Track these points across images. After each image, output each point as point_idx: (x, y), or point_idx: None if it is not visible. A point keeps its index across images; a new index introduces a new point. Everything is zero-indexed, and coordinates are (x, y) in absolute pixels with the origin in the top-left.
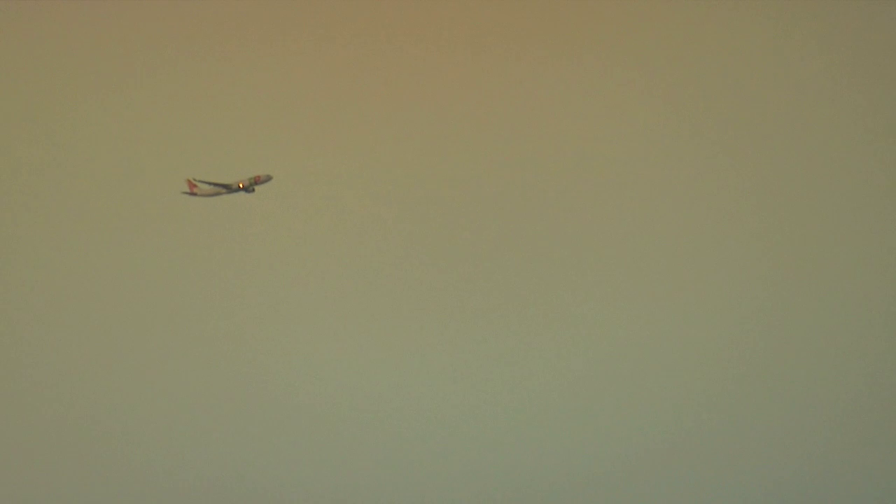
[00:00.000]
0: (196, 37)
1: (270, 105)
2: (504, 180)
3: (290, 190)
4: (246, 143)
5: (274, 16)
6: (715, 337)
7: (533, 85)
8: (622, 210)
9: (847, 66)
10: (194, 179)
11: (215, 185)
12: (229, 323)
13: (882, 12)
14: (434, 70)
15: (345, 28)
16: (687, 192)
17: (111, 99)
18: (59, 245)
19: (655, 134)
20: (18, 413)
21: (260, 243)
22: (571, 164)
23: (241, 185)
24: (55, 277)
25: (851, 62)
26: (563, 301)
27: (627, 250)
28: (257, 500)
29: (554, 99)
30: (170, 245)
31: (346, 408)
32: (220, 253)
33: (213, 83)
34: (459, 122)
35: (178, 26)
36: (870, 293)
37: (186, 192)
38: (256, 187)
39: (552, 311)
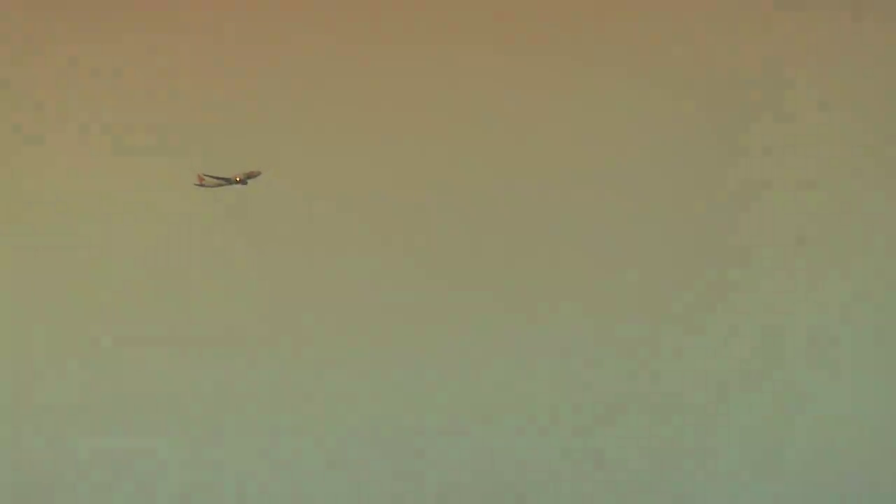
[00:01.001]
0: (197, 40)
1: (267, 104)
2: (509, 180)
3: (281, 185)
4: (245, 141)
5: (270, 11)
6: (727, 344)
7: (546, 81)
8: (635, 214)
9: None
10: (203, 174)
11: (218, 178)
12: (226, 316)
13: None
14: (440, 62)
15: (342, 23)
16: (691, 193)
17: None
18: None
19: (658, 135)
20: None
21: (253, 235)
22: (585, 164)
23: (237, 179)
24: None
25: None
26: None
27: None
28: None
29: (567, 97)
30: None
31: (346, 410)
32: (214, 243)
33: (216, 86)
34: (465, 118)
35: (182, 29)
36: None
37: (197, 184)
38: (249, 181)
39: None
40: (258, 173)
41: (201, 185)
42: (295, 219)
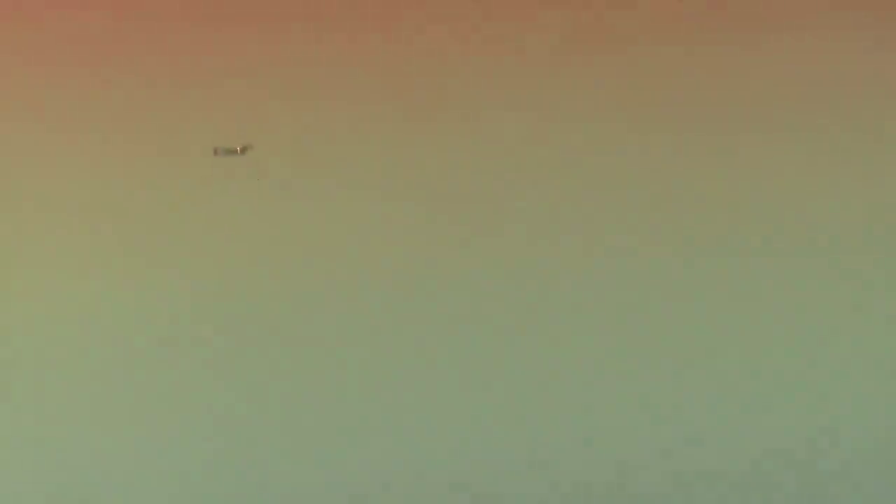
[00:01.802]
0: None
1: (263, 83)
2: (511, 176)
3: (273, 158)
4: (241, 114)
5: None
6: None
7: (547, 68)
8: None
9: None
10: (218, 147)
11: (227, 149)
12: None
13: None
14: (441, 40)
15: (340, 11)
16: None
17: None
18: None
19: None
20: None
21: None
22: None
23: (238, 150)
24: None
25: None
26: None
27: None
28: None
29: (565, 90)
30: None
31: (346, 408)
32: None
33: (217, 69)
34: (466, 104)
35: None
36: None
37: (214, 155)
38: (245, 152)
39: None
40: (250, 146)
41: (216, 155)
42: (295, 201)
